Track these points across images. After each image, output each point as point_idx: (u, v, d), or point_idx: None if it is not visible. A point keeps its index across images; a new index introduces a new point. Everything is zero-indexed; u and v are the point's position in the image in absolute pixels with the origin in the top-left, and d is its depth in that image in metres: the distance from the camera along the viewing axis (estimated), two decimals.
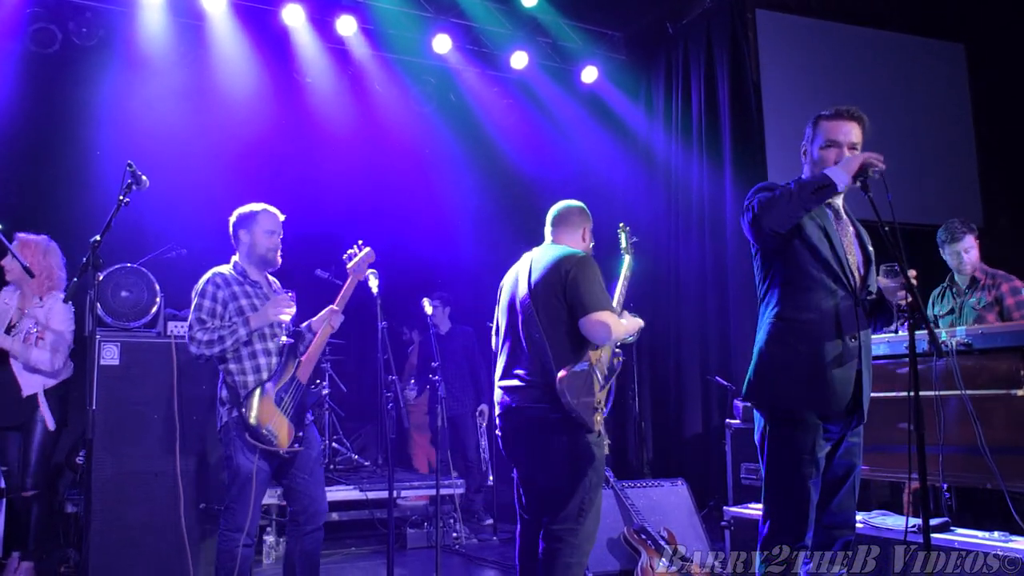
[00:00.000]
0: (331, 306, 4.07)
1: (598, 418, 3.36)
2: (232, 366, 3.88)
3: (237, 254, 4.09)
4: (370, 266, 4.23)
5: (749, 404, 3.18)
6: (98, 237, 3.42)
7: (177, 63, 7.32)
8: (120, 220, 3.51)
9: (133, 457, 4.66)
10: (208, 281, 3.95)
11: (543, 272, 3.43)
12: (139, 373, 4.74)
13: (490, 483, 7.16)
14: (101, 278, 4.69)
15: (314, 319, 4.13)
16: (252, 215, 4.05)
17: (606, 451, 3.47)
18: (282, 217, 4.12)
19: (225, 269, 4.02)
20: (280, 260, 4.08)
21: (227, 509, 3.83)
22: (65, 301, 4.70)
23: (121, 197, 3.49)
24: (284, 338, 4.00)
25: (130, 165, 3.52)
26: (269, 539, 5.82)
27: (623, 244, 4.13)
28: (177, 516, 4.67)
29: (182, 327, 4.90)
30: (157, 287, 4.94)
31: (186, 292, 5.32)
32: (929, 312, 5.10)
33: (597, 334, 3.32)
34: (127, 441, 4.66)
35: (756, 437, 3.13)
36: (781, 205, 2.92)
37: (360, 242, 4.19)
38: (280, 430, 3.82)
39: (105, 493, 4.54)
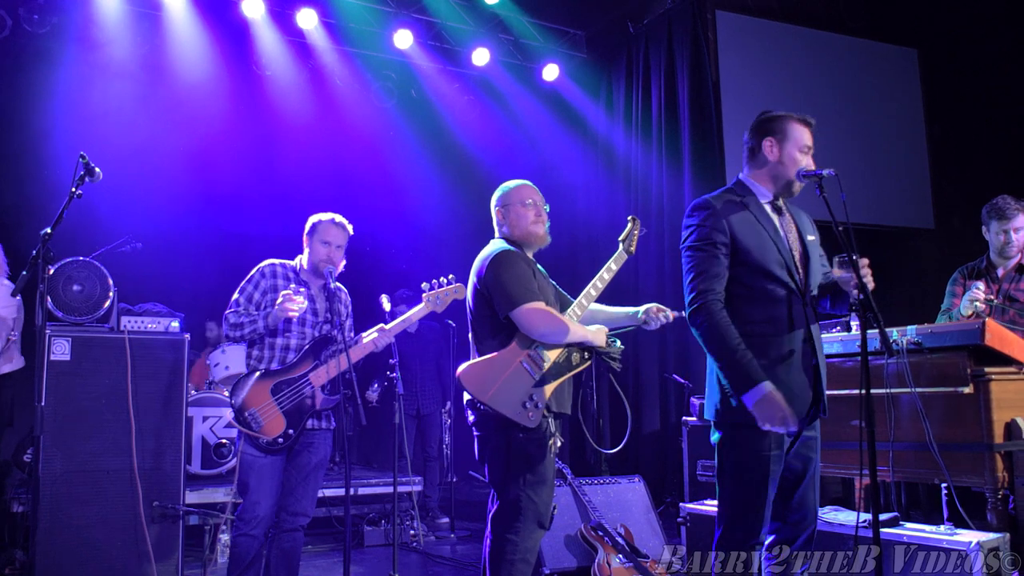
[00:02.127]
0: (381, 325, 4.09)
1: (531, 415, 3.26)
2: (255, 351, 3.97)
3: (304, 254, 4.14)
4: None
5: (715, 424, 3.10)
6: (49, 230, 3.35)
7: (133, 53, 7.20)
8: (72, 212, 3.45)
9: (84, 454, 4.57)
10: (259, 269, 4.06)
11: (473, 273, 3.48)
12: (91, 369, 4.64)
13: (452, 479, 7.16)
14: (52, 271, 4.59)
15: (363, 333, 4.10)
16: (315, 224, 4.10)
17: (555, 449, 3.38)
18: (350, 229, 4.13)
19: (280, 261, 4.11)
20: (333, 270, 4.03)
21: None
22: (14, 295, 4.59)
23: (73, 189, 3.43)
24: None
25: (83, 156, 3.45)
26: (224, 537, 5.75)
27: (623, 235, 3.74)
28: (131, 514, 4.59)
29: (136, 322, 4.83)
30: (110, 281, 4.85)
31: (140, 286, 5.23)
32: (957, 288, 4.73)
33: (535, 327, 3.27)
34: (78, 438, 4.56)
35: (713, 439, 3.15)
36: (709, 343, 2.96)
37: (452, 276, 4.10)
38: (267, 419, 3.81)
39: (54, 491, 4.45)
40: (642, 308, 3.62)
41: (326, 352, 4.01)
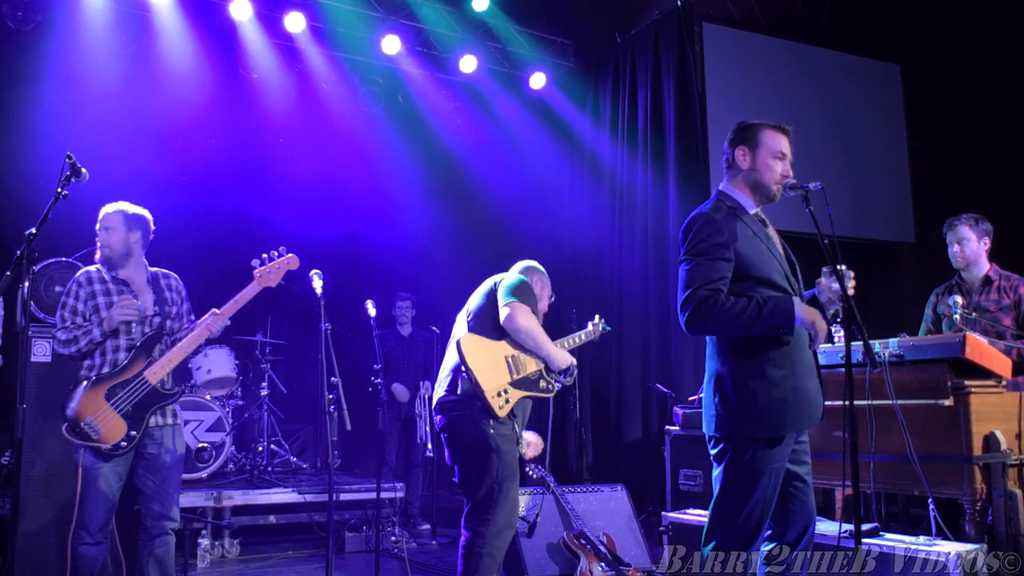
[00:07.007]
0: (214, 310, 3.93)
1: (501, 406, 3.63)
2: (86, 360, 3.88)
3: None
4: (313, 266, 4.17)
5: (720, 438, 3.03)
6: (34, 230, 3.33)
7: (119, 53, 7.16)
8: (58, 213, 3.43)
9: (63, 457, 4.51)
10: (73, 280, 3.97)
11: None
12: (71, 370, 4.59)
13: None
14: (35, 272, 4.54)
15: (197, 321, 4.00)
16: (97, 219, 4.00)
17: (520, 449, 3.72)
18: (112, 210, 3.97)
19: (93, 268, 4.01)
20: (126, 253, 3.96)
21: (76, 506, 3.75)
22: None
23: (59, 189, 3.40)
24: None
25: (69, 157, 3.42)
26: (204, 542, 5.71)
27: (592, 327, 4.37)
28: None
29: None
30: None
31: None
32: (929, 312, 4.93)
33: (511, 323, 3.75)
34: (58, 440, 4.51)
35: (714, 450, 3.08)
36: (727, 324, 2.88)
37: (282, 248, 4.01)
38: (105, 425, 3.72)
39: (33, 493, 4.40)
40: None
41: (160, 346, 3.93)
